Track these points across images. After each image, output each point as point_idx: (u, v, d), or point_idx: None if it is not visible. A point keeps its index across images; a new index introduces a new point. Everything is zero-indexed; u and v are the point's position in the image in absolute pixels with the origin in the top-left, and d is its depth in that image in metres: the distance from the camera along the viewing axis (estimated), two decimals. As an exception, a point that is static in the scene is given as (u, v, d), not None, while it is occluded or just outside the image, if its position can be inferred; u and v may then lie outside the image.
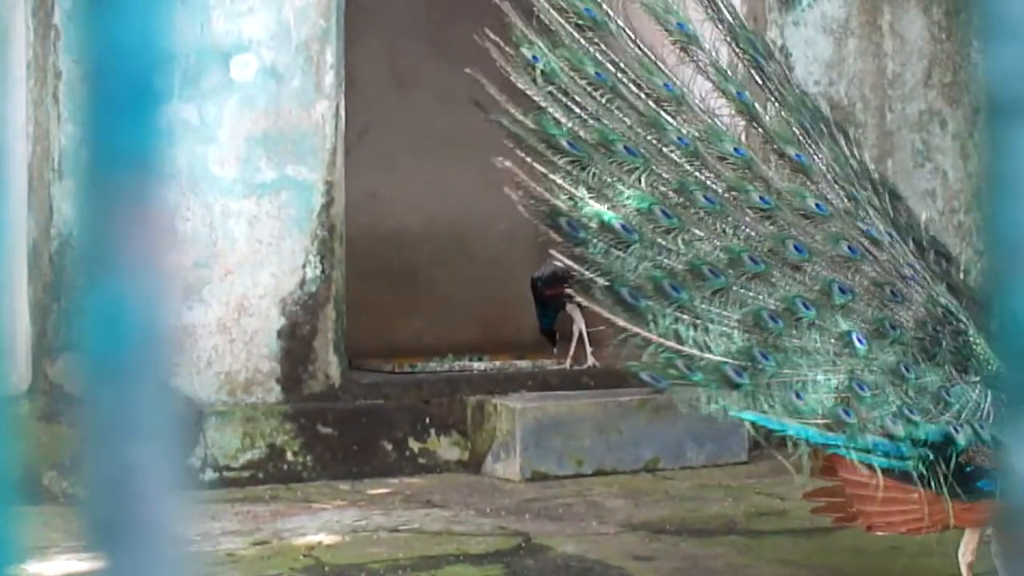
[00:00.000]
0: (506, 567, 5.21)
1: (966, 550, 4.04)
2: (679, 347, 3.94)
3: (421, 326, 9.06)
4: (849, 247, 4.07)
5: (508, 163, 4.18)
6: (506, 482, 6.86)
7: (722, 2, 4.40)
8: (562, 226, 4.08)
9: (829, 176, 4.16)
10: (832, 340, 4.00)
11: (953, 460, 3.89)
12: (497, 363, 7.86)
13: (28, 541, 4.52)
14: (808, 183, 4.16)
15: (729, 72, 4.32)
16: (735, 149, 4.15)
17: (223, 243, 6.93)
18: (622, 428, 6.88)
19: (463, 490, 6.70)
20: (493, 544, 5.48)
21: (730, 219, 4.08)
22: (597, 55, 4.24)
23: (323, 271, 7.12)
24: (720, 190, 4.11)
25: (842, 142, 4.36)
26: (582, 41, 4.26)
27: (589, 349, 7.43)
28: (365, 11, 9.84)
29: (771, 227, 4.09)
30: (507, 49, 4.27)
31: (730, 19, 4.37)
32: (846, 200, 4.15)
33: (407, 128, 10.43)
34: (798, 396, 3.93)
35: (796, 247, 4.06)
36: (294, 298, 7.05)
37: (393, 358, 7.89)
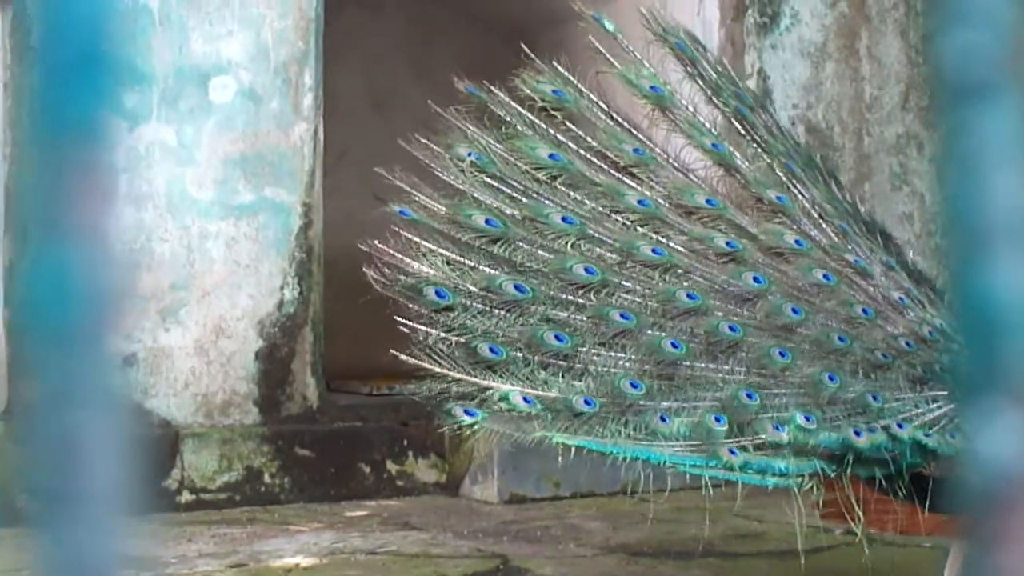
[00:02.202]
0: (483, 589, 5.21)
1: (951, 563, 4.05)
2: (530, 390, 3.93)
3: (399, 348, 9.04)
4: (824, 275, 4.09)
5: (379, 244, 4.18)
6: (484, 504, 6.86)
7: (706, 61, 4.43)
8: (426, 294, 4.09)
9: (815, 214, 4.19)
10: (750, 355, 4.01)
11: (850, 466, 3.90)
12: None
13: (1, 564, 4.48)
14: (788, 222, 4.19)
15: (706, 126, 4.34)
16: (707, 200, 4.17)
17: (200, 265, 6.92)
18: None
19: (441, 512, 6.69)
20: (471, 567, 5.48)
21: (679, 269, 4.10)
22: (559, 136, 4.26)
23: (301, 293, 7.11)
24: (677, 244, 4.12)
25: (833, 186, 4.39)
26: (542, 126, 4.27)
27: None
28: (344, 33, 9.86)
29: (731, 267, 4.11)
30: (437, 149, 4.29)
31: (714, 75, 4.40)
32: (834, 236, 4.18)
33: (386, 151, 10.43)
34: (663, 419, 3.92)
35: (755, 278, 4.08)
36: (272, 320, 7.04)
37: (371, 380, 7.87)
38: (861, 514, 4.07)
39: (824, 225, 4.17)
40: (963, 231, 0.68)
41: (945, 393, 3.91)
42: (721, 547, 5.44)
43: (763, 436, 3.91)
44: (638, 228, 4.14)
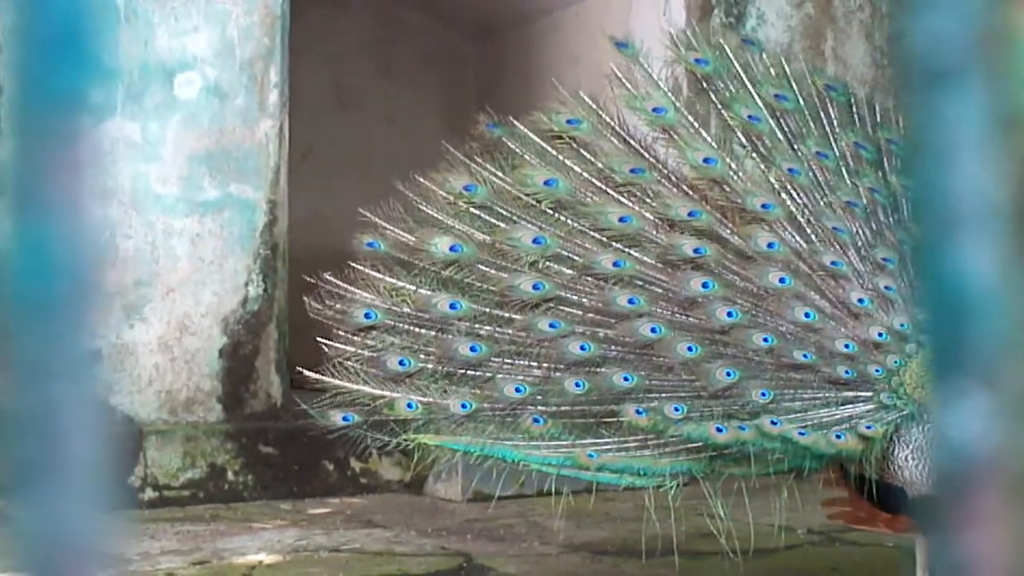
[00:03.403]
0: (447, 587, 5.21)
1: (918, 564, 4.09)
2: (414, 396, 4.13)
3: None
4: (780, 278, 4.16)
5: (329, 276, 4.28)
6: (448, 502, 6.86)
7: (740, 67, 4.51)
8: (354, 315, 4.23)
9: (802, 219, 4.25)
10: (658, 353, 4.12)
11: (709, 462, 4.02)
12: (440, 384, 7.84)
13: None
14: (766, 228, 4.25)
15: (708, 140, 4.40)
16: (689, 213, 4.25)
17: (165, 261, 6.90)
18: (564, 449, 6.88)
19: (404, 510, 6.69)
20: (434, 564, 5.47)
21: (637, 280, 4.20)
22: (566, 161, 4.34)
23: (265, 290, 7.10)
24: (648, 256, 4.22)
25: (890, 177, 4.46)
26: (552, 153, 4.37)
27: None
28: (310, 31, 9.85)
29: (689, 273, 4.20)
30: (428, 185, 4.38)
31: (731, 88, 4.48)
32: (817, 240, 4.24)
33: (351, 148, 10.43)
34: (536, 420, 4.07)
35: (704, 284, 4.17)
36: (236, 317, 7.03)
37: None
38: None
39: (809, 229, 4.23)
40: (930, 216, 0.69)
41: (867, 395, 4.02)
42: (684, 546, 5.44)
43: (623, 418, 4.03)
44: (614, 244, 4.23)
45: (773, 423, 3.98)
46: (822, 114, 4.44)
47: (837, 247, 4.20)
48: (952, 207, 0.68)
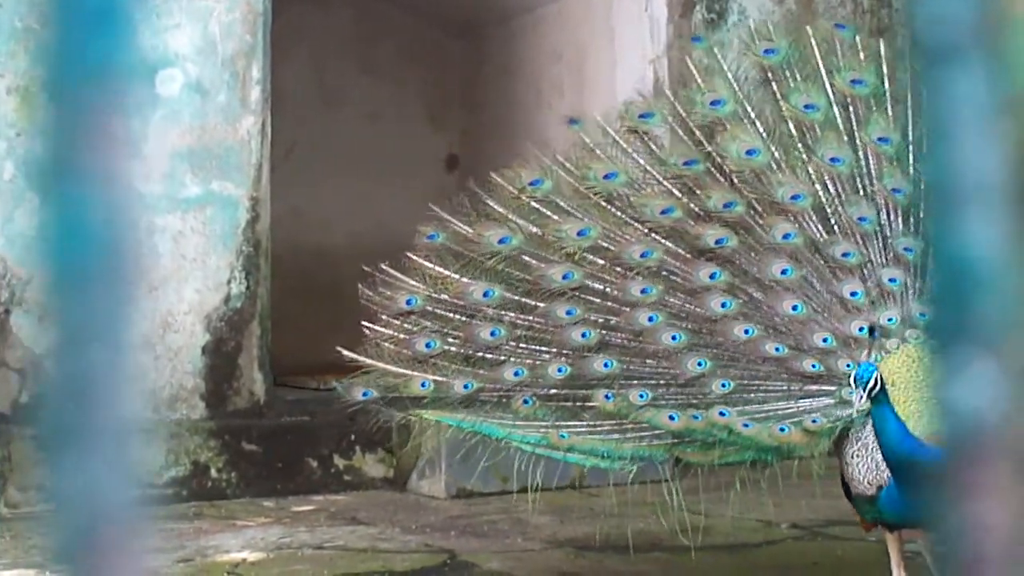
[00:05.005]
0: (431, 584, 5.21)
1: (892, 562, 4.09)
2: (428, 375, 4.34)
3: (346, 343, 9.03)
4: (783, 270, 4.21)
5: (385, 266, 4.51)
6: (431, 499, 6.86)
7: (820, 57, 4.54)
8: (397, 301, 4.48)
9: (829, 210, 4.30)
10: (646, 340, 4.25)
11: (666, 449, 4.18)
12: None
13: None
14: (790, 219, 4.30)
15: (759, 129, 4.47)
16: (724, 204, 4.31)
17: (147, 259, 6.89)
18: (548, 445, 6.87)
19: (388, 507, 6.69)
20: (419, 561, 5.47)
21: (663, 270, 4.32)
22: (635, 154, 4.52)
23: (248, 287, 7.09)
24: (679, 247, 4.34)
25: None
26: (623, 144, 4.56)
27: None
28: (293, 28, 9.83)
29: (705, 264, 4.28)
30: (499, 180, 4.52)
31: (797, 77, 4.53)
32: (839, 231, 4.27)
33: (334, 145, 10.41)
34: (525, 402, 4.27)
35: (711, 275, 4.27)
36: (219, 314, 7.02)
37: (318, 375, 7.86)
38: None
39: (833, 220, 4.27)
40: (938, 192, 0.70)
41: (830, 389, 4.08)
42: (667, 541, 5.45)
43: (594, 403, 4.20)
44: (653, 235, 4.34)
45: (721, 413, 4.05)
46: (910, 96, 4.43)
47: (856, 237, 4.23)
48: (958, 184, 0.69)
